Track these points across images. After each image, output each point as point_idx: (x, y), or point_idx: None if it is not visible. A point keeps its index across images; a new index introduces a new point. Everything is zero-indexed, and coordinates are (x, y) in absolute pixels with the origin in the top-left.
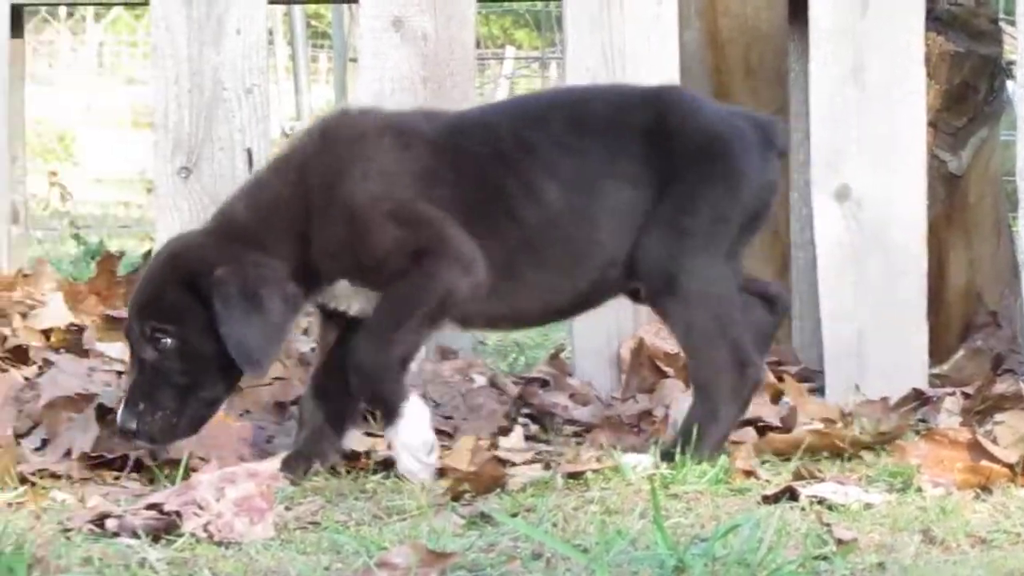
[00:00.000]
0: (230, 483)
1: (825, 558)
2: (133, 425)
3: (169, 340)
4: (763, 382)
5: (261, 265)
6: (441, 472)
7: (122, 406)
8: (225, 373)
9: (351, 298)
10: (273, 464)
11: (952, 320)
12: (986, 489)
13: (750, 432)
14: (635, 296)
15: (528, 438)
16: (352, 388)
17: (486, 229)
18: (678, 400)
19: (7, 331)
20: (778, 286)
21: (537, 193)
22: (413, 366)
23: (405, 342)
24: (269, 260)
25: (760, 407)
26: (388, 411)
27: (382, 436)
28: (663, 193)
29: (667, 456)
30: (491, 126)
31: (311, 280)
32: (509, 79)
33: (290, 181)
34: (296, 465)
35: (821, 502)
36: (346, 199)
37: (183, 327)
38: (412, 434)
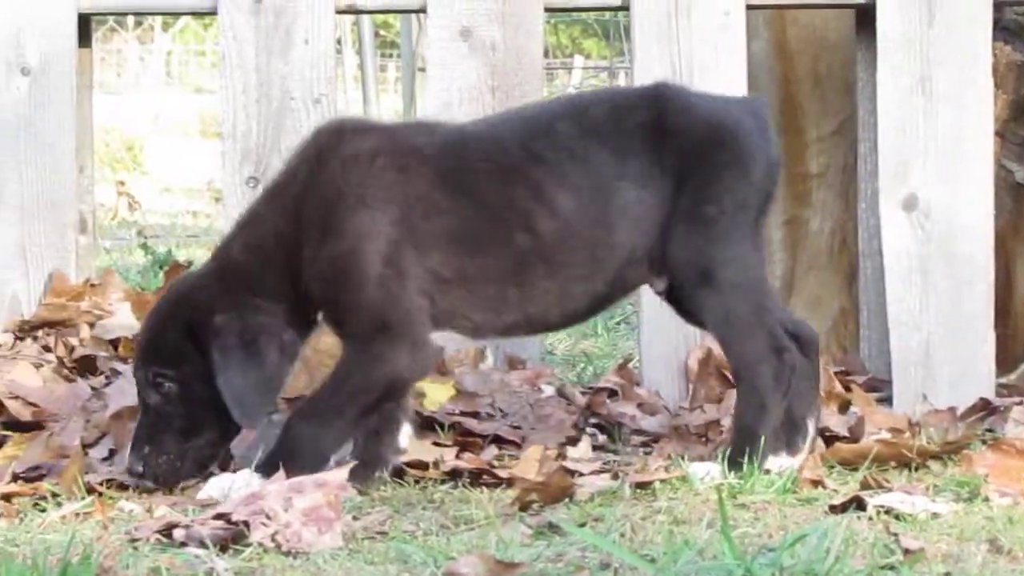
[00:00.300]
0: (298, 493)
1: (892, 568)
2: (140, 468)
3: (170, 385)
4: (798, 366)
5: (260, 312)
6: (509, 482)
7: (129, 448)
8: (227, 416)
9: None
10: (341, 474)
11: (1019, 330)
12: None
13: (818, 442)
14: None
15: (596, 448)
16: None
17: (490, 243)
18: None
19: (75, 341)
20: (810, 328)
21: (545, 202)
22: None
23: (343, 429)
24: (268, 305)
25: (828, 417)
26: (273, 467)
27: (449, 445)
28: (680, 188)
29: (733, 463)
30: (494, 138)
31: (309, 309)
32: (577, 89)
33: (283, 213)
34: (363, 475)
35: (888, 512)
36: (335, 233)
37: (184, 372)
38: (229, 488)
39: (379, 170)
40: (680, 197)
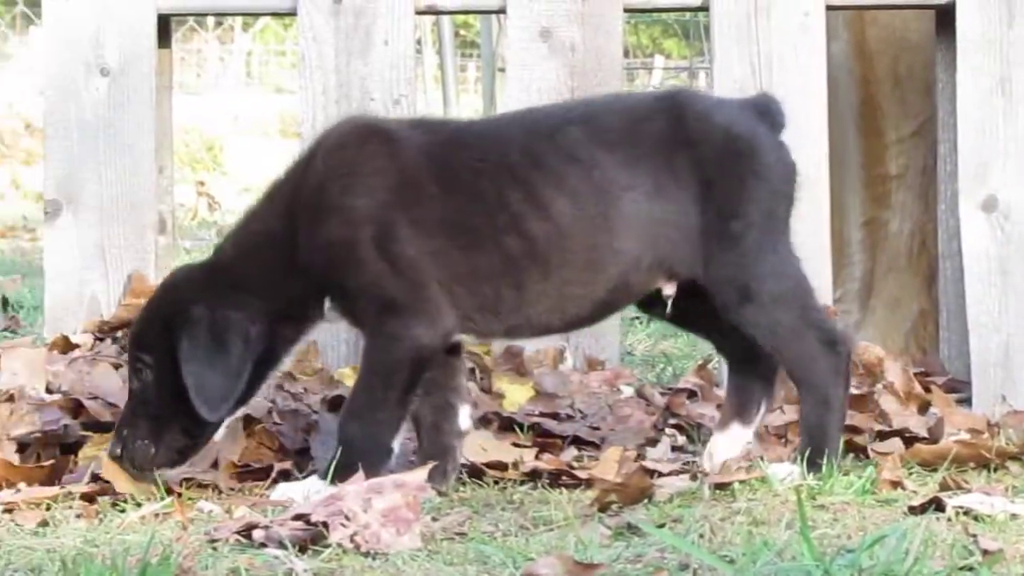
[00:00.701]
0: (377, 494)
1: (971, 569)
2: (117, 451)
3: (147, 371)
4: (854, 349)
5: (237, 307)
6: (588, 483)
7: (114, 431)
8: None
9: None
10: (420, 475)
11: None
12: None
13: (897, 443)
14: (649, 305)
15: (675, 449)
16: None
17: (481, 241)
18: None
19: None
20: (847, 330)
21: (540, 205)
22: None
23: (391, 416)
24: (250, 300)
25: (907, 418)
26: (343, 473)
27: (529, 446)
28: (704, 201)
29: (812, 464)
30: (498, 137)
31: (313, 303)
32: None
33: (277, 206)
34: (438, 471)
35: (967, 513)
36: (330, 213)
37: (160, 360)
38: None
39: (368, 156)
40: (706, 212)
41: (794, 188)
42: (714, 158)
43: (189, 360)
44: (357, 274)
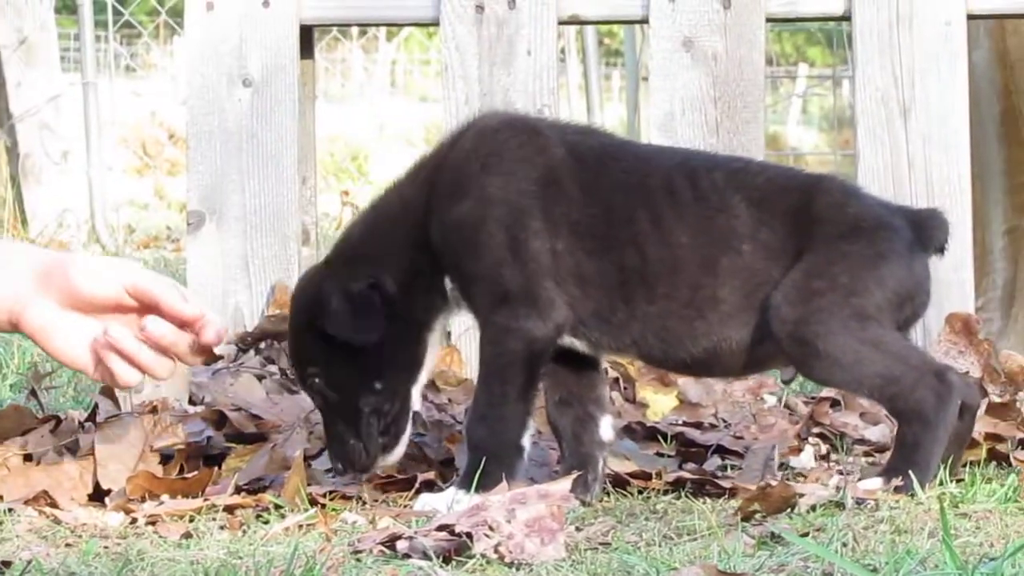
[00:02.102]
0: (521, 504)
1: None
2: (339, 465)
3: (318, 380)
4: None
5: (361, 277)
6: (732, 492)
7: (329, 455)
8: (378, 384)
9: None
10: (564, 485)
11: None
12: None
13: None
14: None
15: (819, 458)
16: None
17: (605, 249)
18: None
19: None
20: (974, 388)
21: (662, 230)
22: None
23: (514, 412)
24: (373, 270)
25: None
26: (486, 482)
27: (672, 456)
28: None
29: (889, 473)
30: (647, 159)
31: (436, 283)
32: (801, 97)
33: (418, 182)
34: (581, 481)
35: None
36: (467, 190)
37: (321, 362)
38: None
39: (517, 144)
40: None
41: (910, 303)
42: (829, 235)
43: (331, 324)
44: (478, 257)
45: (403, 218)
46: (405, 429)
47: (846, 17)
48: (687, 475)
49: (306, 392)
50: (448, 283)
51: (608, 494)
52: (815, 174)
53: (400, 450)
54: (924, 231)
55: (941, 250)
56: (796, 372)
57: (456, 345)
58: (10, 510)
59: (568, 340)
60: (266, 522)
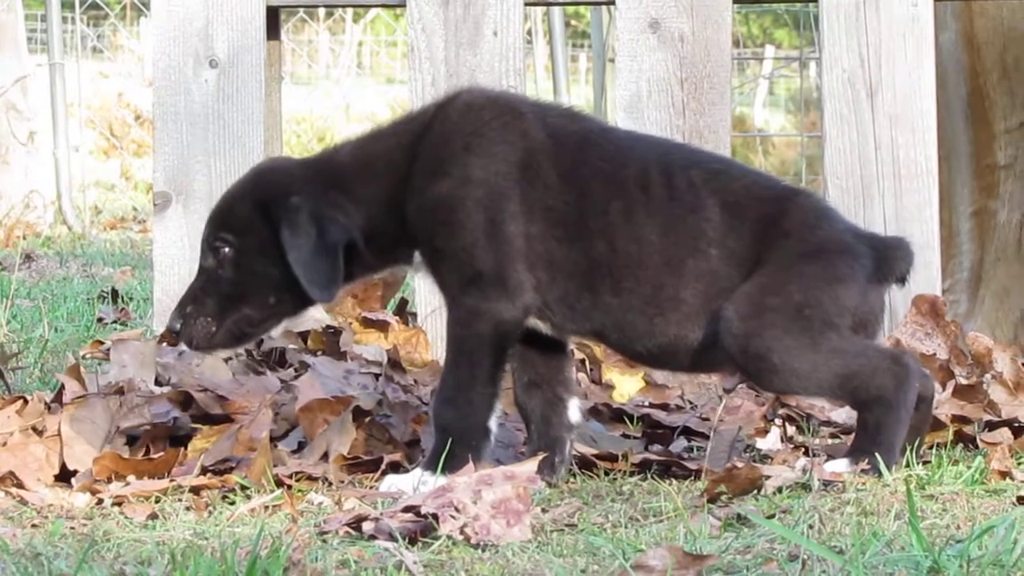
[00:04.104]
0: (487, 485)
1: None
2: (177, 325)
3: (228, 250)
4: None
5: (338, 209)
6: (698, 474)
7: (176, 306)
8: (274, 299)
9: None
10: (530, 466)
11: None
12: None
13: (1006, 433)
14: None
15: (785, 439)
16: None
17: (576, 238)
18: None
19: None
20: (930, 378)
21: (634, 225)
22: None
23: (481, 394)
24: (350, 208)
25: (1016, 408)
26: (452, 464)
27: (639, 437)
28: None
29: (855, 454)
30: (625, 147)
31: (403, 247)
32: (768, 79)
33: (403, 145)
34: (548, 463)
35: None
36: (447, 168)
37: (244, 241)
38: (413, 485)
39: (500, 125)
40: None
41: (862, 326)
42: (792, 250)
43: (295, 247)
44: (453, 236)
45: (383, 175)
46: (252, 341)
47: None
48: (653, 457)
49: (203, 250)
50: (417, 256)
51: (574, 476)
52: (793, 188)
53: (223, 353)
54: (887, 260)
55: (902, 280)
56: (739, 382)
57: (422, 327)
58: None
59: (532, 321)
60: (232, 503)
